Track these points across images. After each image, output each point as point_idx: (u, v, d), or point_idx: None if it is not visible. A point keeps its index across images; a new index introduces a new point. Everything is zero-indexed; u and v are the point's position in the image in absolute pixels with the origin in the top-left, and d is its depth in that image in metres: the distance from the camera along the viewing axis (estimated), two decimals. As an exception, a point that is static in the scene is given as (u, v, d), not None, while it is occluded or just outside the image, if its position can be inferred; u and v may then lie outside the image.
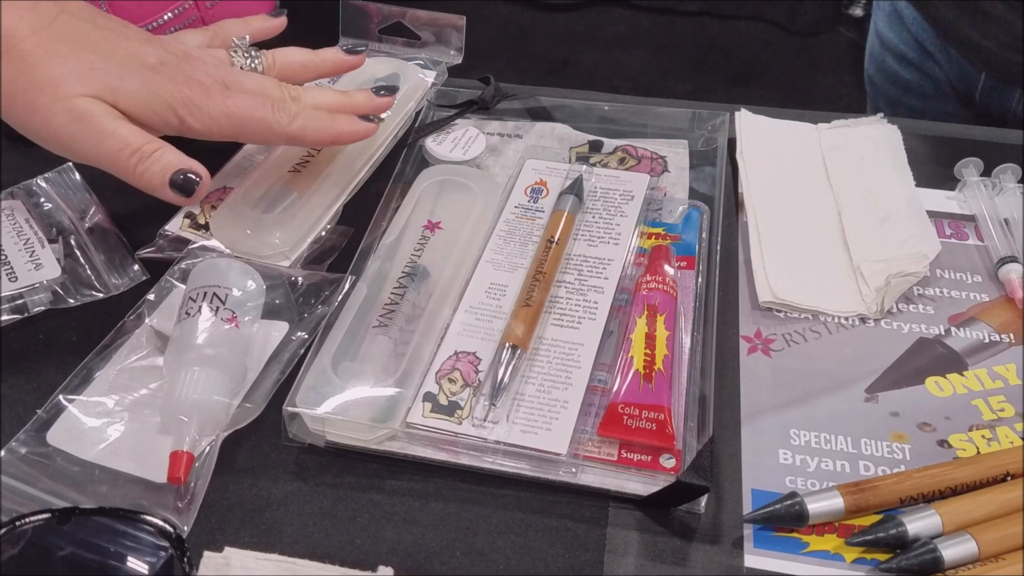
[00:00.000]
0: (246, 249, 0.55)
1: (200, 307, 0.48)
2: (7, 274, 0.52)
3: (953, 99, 0.81)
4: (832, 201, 0.60)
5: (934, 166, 0.62)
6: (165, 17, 0.64)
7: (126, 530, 0.39)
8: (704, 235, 0.56)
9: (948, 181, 0.62)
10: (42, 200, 0.58)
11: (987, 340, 0.52)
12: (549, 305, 0.51)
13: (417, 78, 0.67)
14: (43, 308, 0.52)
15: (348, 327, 0.50)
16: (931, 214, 0.59)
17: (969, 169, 0.61)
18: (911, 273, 0.54)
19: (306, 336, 0.50)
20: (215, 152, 0.62)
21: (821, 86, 2.03)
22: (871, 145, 0.63)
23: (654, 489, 0.44)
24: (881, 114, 0.65)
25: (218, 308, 0.48)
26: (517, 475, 0.45)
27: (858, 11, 2.10)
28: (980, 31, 0.73)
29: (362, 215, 0.58)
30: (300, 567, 0.41)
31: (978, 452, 0.47)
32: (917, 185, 0.60)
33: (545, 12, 2.20)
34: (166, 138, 0.50)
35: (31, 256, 0.54)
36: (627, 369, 0.48)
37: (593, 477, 0.45)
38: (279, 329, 0.51)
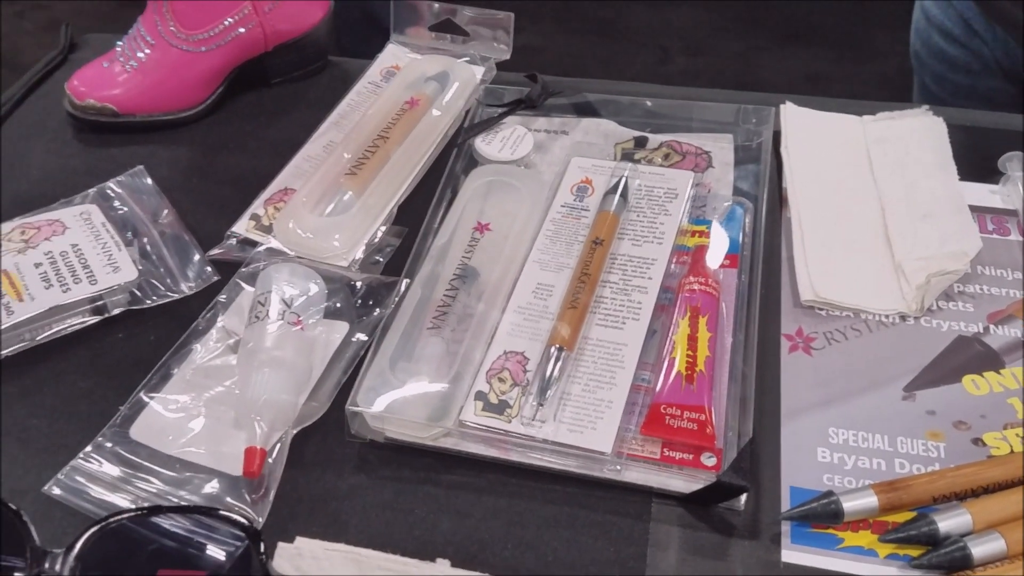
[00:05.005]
0: (307, 250, 0.58)
1: (268, 311, 0.51)
2: (88, 277, 0.56)
3: (999, 76, 0.81)
4: (875, 196, 0.60)
5: (979, 158, 0.63)
6: (226, 22, 0.66)
7: (208, 523, 0.43)
8: (747, 232, 0.58)
9: (992, 174, 0.62)
10: (116, 203, 0.62)
11: (1026, 337, 0.53)
12: (594, 306, 0.53)
13: (467, 76, 0.68)
14: (121, 309, 0.56)
15: (404, 329, 0.53)
16: (973, 209, 0.59)
17: (1013, 163, 0.61)
18: (951, 271, 0.55)
19: (365, 337, 0.53)
20: (275, 154, 0.65)
21: (876, 43, 1.98)
22: (916, 138, 0.63)
23: (695, 487, 0.46)
24: (927, 106, 0.65)
25: (284, 312, 0.51)
26: (564, 472, 0.48)
27: (915, -34, 2.04)
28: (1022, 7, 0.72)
29: (414, 214, 0.61)
30: (366, 557, 0.44)
31: (1011, 450, 0.48)
32: (961, 178, 0.61)
33: (593, -29, 2.17)
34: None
35: (109, 259, 0.57)
36: (669, 369, 0.50)
37: (637, 474, 0.47)
38: (339, 330, 0.54)
